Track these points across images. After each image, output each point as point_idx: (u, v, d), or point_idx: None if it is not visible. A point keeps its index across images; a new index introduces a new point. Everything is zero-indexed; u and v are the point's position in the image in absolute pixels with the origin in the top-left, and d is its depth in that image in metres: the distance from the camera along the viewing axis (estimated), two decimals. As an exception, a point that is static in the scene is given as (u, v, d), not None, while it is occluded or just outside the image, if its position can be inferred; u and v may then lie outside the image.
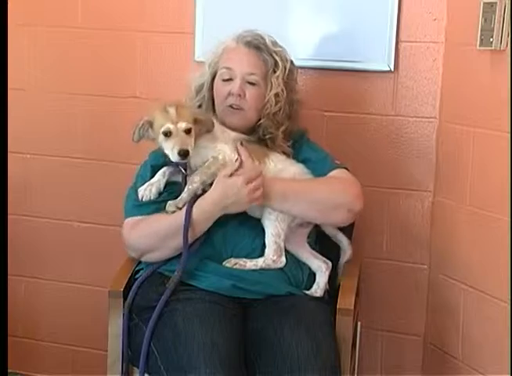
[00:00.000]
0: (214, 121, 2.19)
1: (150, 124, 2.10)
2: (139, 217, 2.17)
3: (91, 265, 2.88)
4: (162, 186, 2.16)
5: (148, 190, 2.15)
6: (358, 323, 2.39)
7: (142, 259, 2.21)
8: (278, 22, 2.56)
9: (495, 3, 2.16)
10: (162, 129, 2.06)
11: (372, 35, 2.51)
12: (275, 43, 2.25)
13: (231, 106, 2.22)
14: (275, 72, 2.21)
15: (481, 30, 2.20)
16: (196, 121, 2.09)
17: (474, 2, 2.23)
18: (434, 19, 2.48)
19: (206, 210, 2.09)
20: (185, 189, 2.11)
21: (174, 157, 2.06)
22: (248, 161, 2.14)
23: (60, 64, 2.81)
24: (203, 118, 2.11)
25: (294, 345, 1.95)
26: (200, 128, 2.11)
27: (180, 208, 2.09)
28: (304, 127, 2.36)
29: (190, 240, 2.10)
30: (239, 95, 2.19)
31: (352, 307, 2.14)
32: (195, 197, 2.10)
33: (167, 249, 2.14)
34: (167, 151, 2.08)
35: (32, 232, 2.92)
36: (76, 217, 2.87)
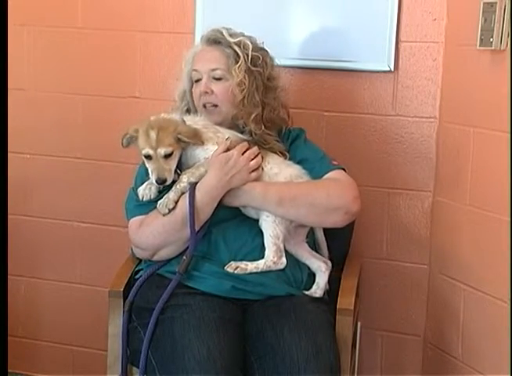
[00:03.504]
0: (207, 122, 2.18)
1: (136, 138, 2.12)
2: (143, 216, 2.17)
3: (91, 265, 2.88)
4: None
5: (148, 189, 2.15)
6: (358, 323, 2.39)
7: (154, 258, 2.18)
8: (278, 22, 2.57)
9: (495, 3, 2.16)
10: (143, 152, 2.09)
11: (372, 35, 2.50)
12: (233, 34, 2.24)
13: (204, 106, 2.23)
14: (237, 62, 2.20)
15: (481, 30, 2.20)
16: (179, 140, 2.09)
17: (474, 2, 2.23)
18: (434, 19, 2.47)
19: (208, 191, 2.09)
20: (173, 189, 2.11)
21: (153, 180, 2.08)
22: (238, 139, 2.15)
23: (60, 64, 2.81)
24: (187, 139, 2.09)
25: (294, 347, 1.95)
26: (187, 143, 2.10)
27: (172, 209, 2.10)
28: (301, 126, 2.35)
29: (197, 226, 2.09)
30: (207, 93, 2.20)
31: (352, 307, 2.14)
32: (194, 184, 2.10)
33: (178, 241, 2.13)
34: (149, 171, 2.10)
35: (32, 232, 2.92)
36: (76, 217, 2.87)
